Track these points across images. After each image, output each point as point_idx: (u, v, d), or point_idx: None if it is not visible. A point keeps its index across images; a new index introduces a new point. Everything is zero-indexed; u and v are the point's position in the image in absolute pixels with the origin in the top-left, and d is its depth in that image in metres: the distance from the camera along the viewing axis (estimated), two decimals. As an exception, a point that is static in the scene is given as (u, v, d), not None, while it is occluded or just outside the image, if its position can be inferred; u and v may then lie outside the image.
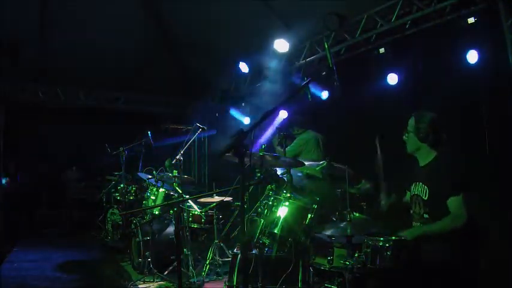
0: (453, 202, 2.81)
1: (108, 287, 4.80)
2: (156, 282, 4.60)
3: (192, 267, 4.69)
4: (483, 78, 4.16)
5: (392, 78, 5.11)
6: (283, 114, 6.31)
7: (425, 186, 2.99)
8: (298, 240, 3.48)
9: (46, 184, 8.55)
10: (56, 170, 8.80)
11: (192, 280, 4.54)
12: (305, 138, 5.09)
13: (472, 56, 4.22)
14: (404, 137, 3.18)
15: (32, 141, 8.28)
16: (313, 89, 5.58)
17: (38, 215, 8.26)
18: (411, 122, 3.12)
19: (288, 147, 5.10)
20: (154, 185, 5.35)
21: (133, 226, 5.30)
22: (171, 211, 4.90)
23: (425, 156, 3.09)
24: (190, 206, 5.06)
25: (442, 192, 2.87)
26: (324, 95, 5.91)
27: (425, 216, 2.98)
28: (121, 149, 6.66)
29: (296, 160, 4.07)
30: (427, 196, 2.97)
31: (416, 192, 3.09)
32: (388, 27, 5.01)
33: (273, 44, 5.76)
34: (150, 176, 5.39)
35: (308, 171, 4.56)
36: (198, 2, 6.43)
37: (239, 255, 3.50)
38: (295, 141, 5.15)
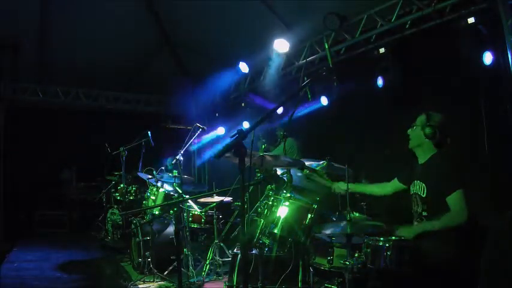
0: (454, 198, 2.81)
1: (108, 287, 4.80)
2: (156, 282, 4.60)
3: (192, 267, 4.69)
4: (483, 78, 4.16)
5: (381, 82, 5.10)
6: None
7: (423, 184, 3.00)
8: (298, 240, 3.48)
9: (46, 184, 8.54)
10: (56, 170, 8.80)
11: (192, 280, 4.53)
12: (290, 143, 5.38)
13: (472, 55, 4.20)
14: (409, 130, 3.17)
15: (32, 141, 8.27)
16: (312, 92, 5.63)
17: (37, 215, 8.26)
18: (422, 118, 3.12)
19: (275, 150, 5.34)
20: (154, 185, 5.34)
21: (133, 226, 5.30)
22: (171, 211, 4.90)
23: (426, 154, 3.09)
24: (190, 206, 5.06)
25: (441, 189, 2.86)
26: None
27: (424, 213, 2.99)
28: (121, 149, 6.66)
29: (297, 160, 4.09)
30: (424, 193, 2.98)
31: (415, 191, 3.09)
32: (388, 27, 5.01)
33: (273, 44, 5.76)
34: (150, 176, 5.39)
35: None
36: (198, 2, 6.43)
37: (239, 255, 3.50)
38: (282, 144, 5.32)
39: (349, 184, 3.28)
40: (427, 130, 3.03)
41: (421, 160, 3.13)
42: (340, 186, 3.66)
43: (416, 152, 3.17)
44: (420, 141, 3.09)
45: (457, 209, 2.80)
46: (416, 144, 3.13)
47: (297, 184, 3.99)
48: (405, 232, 2.93)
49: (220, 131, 8.18)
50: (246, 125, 7.72)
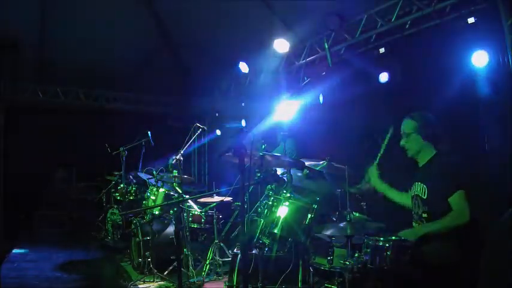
0: (456, 199, 2.80)
1: (108, 287, 4.80)
2: (156, 282, 4.60)
3: (192, 267, 4.69)
4: (483, 77, 4.16)
5: (385, 77, 5.09)
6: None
7: (424, 186, 2.99)
8: (298, 240, 3.48)
9: (46, 184, 8.54)
10: (56, 170, 8.80)
11: (192, 280, 4.53)
12: (290, 143, 5.38)
13: (473, 57, 4.21)
14: (402, 142, 3.15)
15: (32, 141, 8.27)
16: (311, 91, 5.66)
17: (37, 215, 8.25)
18: (410, 123, 3.11)
19: (274, 150, 5.37)
20: (154, 185, 5.35)
21: (133, 226, 5.30)
22: (171, 211, 4.90)
23: (425, 156, 3.09)
24: (190, 206, 5.06)
25: (442, 190, 2.86)
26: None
27: (424, 215, 2.98)
28: (121, 149, 6.66)
29: (297, 160, 4.09)
30: (426, 195, 2.97)
31: (415, 193, 3.09)
32: (388, 27, 5.01)
33: (273, 44, 5.76)
34: (150, 176, 5.39)
35: None
36: (198, 2, 6.43)
37: (239, 255, 3.50)
38: (281, 145, 5.37)
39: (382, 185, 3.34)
40: (424, 131, 3.02)
41: (421, 162, 3.13)
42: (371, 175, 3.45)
43: (417, 157, 3.16)
44: (420, 145, 3.08)
45: (460, 210, 2.79)
46: (416, 151, 3.11)
47: (297, 184, 3.99)
48: (408, 234, 2.92)
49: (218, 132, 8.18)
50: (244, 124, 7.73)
